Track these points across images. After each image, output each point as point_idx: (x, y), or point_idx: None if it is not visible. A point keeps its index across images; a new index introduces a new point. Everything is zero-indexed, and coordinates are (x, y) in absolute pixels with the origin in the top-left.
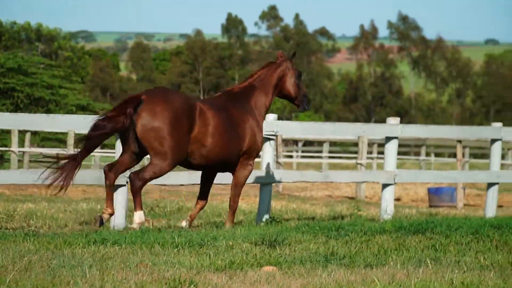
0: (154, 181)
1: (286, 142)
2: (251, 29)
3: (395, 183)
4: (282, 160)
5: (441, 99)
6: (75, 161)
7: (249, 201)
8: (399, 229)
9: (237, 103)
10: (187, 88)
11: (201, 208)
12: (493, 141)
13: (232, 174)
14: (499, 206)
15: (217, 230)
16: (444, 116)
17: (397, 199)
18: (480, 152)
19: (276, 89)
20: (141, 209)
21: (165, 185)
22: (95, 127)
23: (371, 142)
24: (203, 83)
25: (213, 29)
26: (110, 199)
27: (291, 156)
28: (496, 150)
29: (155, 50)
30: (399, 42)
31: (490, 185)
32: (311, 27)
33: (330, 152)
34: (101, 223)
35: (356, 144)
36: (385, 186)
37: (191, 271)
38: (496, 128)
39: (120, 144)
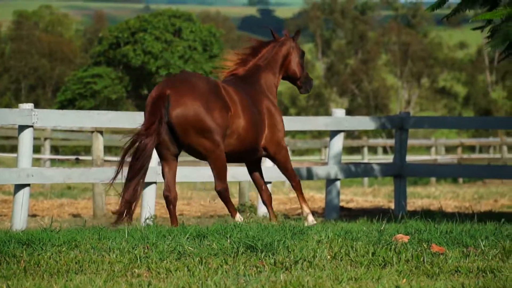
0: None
1: None
2: None
3: None
4: None
5: None
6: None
7: None
8: None
9: (248, 84)
10: None
11: (269, 202)
12: (22, 128)
13: (275, 163)
14: (33, 216)
15: None
16: None
17: None
18: (9, 144)
19: (282, 69)
20: (237, 212)
21: None
22: (137, 154)
23: None
24: None
25: None
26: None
27: None
28: (25, 140)
29: None
30: None
31: (18, 187)
32: None
33: None
34: None
35: None
36: None
37: None
38: (24, 111)
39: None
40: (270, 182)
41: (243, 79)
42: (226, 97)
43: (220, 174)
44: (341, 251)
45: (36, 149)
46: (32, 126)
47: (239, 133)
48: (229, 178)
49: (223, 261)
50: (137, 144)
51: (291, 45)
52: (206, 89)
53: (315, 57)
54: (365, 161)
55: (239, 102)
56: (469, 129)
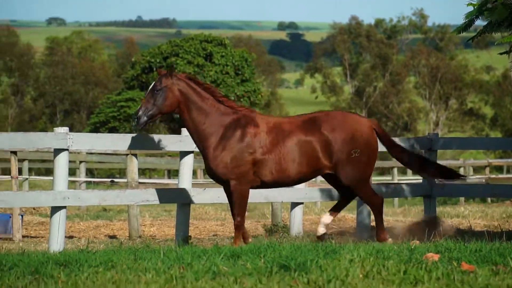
0: None
1: None
2: None
3: None
4: None
5: None
6: None
7: None
8: None
9: None
10: None
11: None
12: (57, 151)
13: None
14: (69, 237)
15: None
16: None
17: None
18: (44, 167)
19: None
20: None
21: None
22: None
23: None
24: None
25: None
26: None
27: None
28: (61, 163)
29: None
30: None
31: (55, 209)
32: None
33: None
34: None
35: None
36: None
37: None
38: (59, 135)
39: None
40: (302, 203)
41: None
42: None
43: None
44: (373, 270)
45: (72, 172)
46: (67, 150)
47: None
48: (261, 199)
49: (258, 280)
50: None
51: None
52: None
53: (344, 80)
54: (395, 181)
55: None
56: (497, 149)
